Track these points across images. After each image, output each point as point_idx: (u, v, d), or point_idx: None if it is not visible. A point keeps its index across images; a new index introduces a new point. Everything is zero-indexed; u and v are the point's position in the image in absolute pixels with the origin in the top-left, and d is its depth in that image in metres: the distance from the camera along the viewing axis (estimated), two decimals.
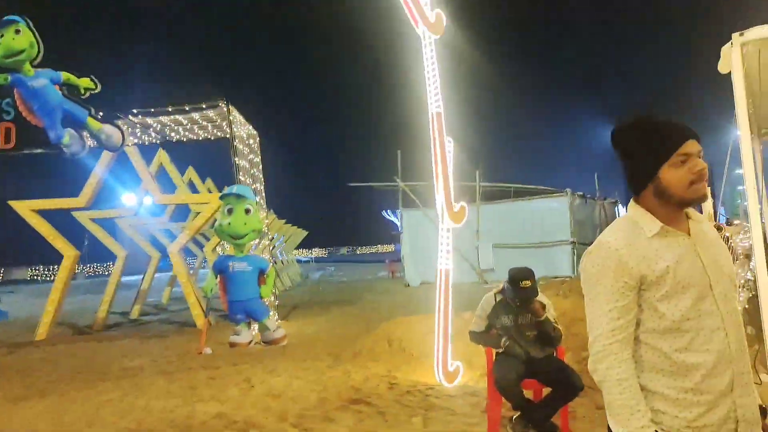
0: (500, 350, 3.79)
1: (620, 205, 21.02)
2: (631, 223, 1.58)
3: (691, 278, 1.48)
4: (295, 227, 26.78)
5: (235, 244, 8.01)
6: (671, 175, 1.53)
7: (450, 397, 4.74)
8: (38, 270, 42.81)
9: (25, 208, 10.74)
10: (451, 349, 5.03)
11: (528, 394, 3.82)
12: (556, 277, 15.19)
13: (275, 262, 22.28)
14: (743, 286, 5.01)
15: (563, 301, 6.04)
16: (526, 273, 3.73)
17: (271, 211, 23.00)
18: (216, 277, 8.04)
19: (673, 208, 1.56)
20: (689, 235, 1.54)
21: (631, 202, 1.64)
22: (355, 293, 16.54)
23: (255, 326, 8.06)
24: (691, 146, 1.51)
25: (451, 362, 5.05)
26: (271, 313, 8.46)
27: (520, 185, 18.13)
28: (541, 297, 3.85)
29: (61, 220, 11.94)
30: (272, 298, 9.04)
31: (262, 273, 8.01)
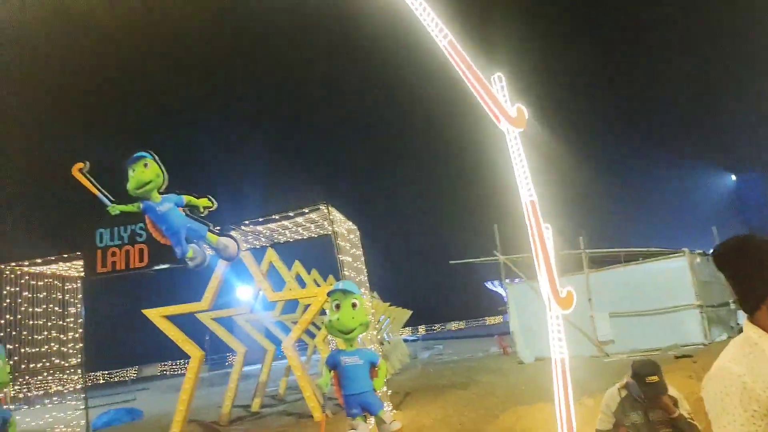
0: None
1: None
2: (751, 345, 1.50)
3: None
4: (399, 308, 26.87)
5: (344, 338, 8.21)
6: None
7: None
8: (167, 365, 45.85)
9: (156, 315, 11.82)
10: None
11: None
12: (685, 346, 13.90)
13: (382, 344, 22.39)
14: None
15: (696, 386, 5.54)
16: (652, 368, 3.54)
17: (375, 294, 23.39)
18: (330, 372, 8.23)
19: None
20: None
21: (746, 322, 1.59)
22: (468, 374, 16.05)
23: (371, 420, 8.05)
24: None
25: None
26: (385, 405, 8.43)
27: (631, 249, 17.14)
28: (672, 391, 3.62)
29: (186, 319, 12.96)
30: (384, 387, 9.04)
31: (373, 366, 8.09)
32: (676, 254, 15.39)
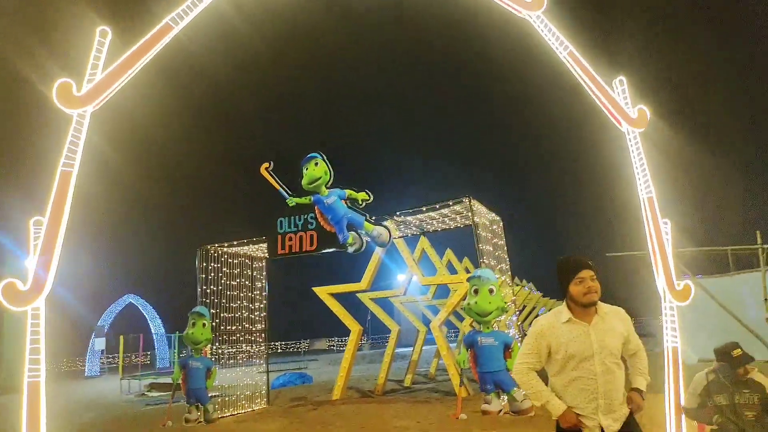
0: (714, 427, 3.89)
1: None
2: (557, 313, 2.96)
3: (577, 350, 2.74)
4: (555, 300, 26.50)
5: (482, 321, 8.96)
6: (573, 289, 2.85)
7: None
8: (333, 341, 50.16)
9: (323, 292, 13.64)
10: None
11: None
12: None
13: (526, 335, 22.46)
14: None
15: None
16: (734, 344, 3.90)
17: (530, 284, 23.44)
18: (467, 351, 9.05)
19: (579, 307, 2.84)
20: (589, 324, 2.81)
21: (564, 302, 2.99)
22: None
23: (504, 396, 8.71)
24: (585, 273, 2.84)
25: None
26: (518, 385, 9.03)
27: None
28: (760, 377, 3.85)
29: (350, 300, 14.64)
30: None
31: (507, 347, 8.74)
32: None
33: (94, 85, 4.62)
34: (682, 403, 4.20)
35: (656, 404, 6.16)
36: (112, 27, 4.84)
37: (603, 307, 2.90)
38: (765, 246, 14.87)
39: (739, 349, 3.86)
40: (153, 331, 37.45)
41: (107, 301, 36.82)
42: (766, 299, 14.31)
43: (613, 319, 2.87)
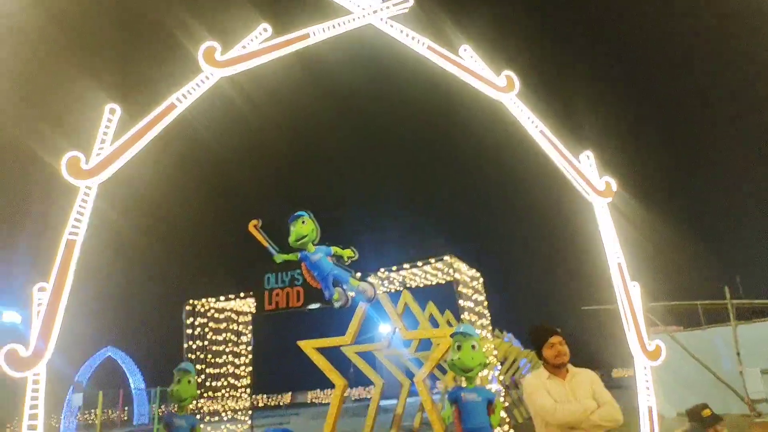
0: None
1: None
2: (538, 373, 3.45)
3: (558, 396, 3.18)
4: (534, 352, 26.58)
5: (465, 376, 9.15)
6: (546, 353, 3.37)
7: None
8: (316, 393, 49.22)
9: (308, 346, 13.67)
10: None
11: None
12: None
13: (517, 386, 22.43)
14: None
15: None
16: (703, 405, 4.21)
17: (511, 335, 23.56)
18: (452, 406, 9.18)
19: (553, 367, 3.34)
20: (563, 379, 3.28)
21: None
22: None
23: None
24: (554, 339, 3.35)
25: None
26: None
27: None
28: None
29: (335, 354, 14.67)
30: (506, 427, 9.72)
31: (490, 403, 8.90)
32: None
33: (102, 159, 4.95)
34: None
35: None
36: (121, 104, 5.23)
37: (573, 368, 3.40)
38: (734, 301, 15.40)
39: (709, 410, 4.17)
40: (132, 385, 36.45)
41: (86, 354, 35.95)
42: (738, 353, 14.71)
43: (582, 377, 3.35)
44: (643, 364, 5.57)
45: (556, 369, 3.34)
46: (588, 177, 5.77)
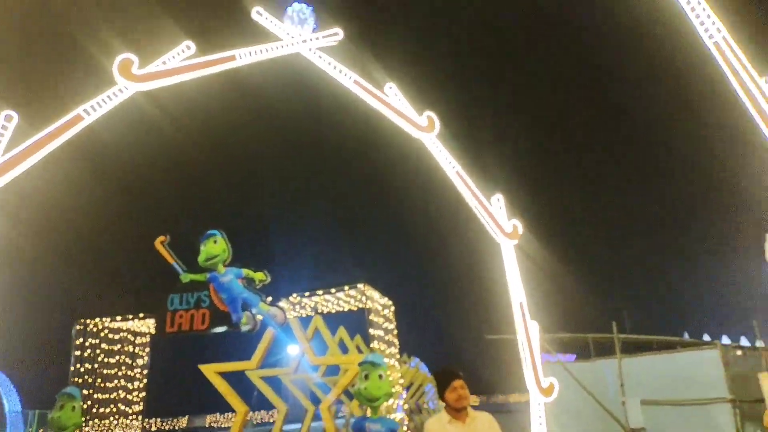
0: None
1: None
2: (439, 417, 3.60)
3: None
4: None
5: (370, 406, 9.18)
6: (448, 396, 3.53)
7: None
8: (215, 417, 47.10)
9: (209, 371, 13.13)
10: None
11: None
12: None
13: (420, 411, 22.77)
14: None
15: None
16: None
17: (417, 360, 23.98)
18: None
19: (453, 410, 3.47)
20: (464, 423, 3.41)
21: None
22: None
23: None
24: (456, 383, 3.50)
25: None
26: None
27: (663, 337, 17.26)
28: None
29: (237, 377, 14.18)
30: None
31: None
32: (709, 346, 15.46)
33: None
34: None
35: None
36: (23, 111, 4.89)
37: (472, 411, 3.59)
38: (620, 336, 16.62)
39: None
40: (6, 407, 33.06)
41: None
42: (622, 384, 15.81)
43: (481, 421, 3.55)
44: (538, 400, 5.88)
45: (456, 412, 3.48)
46: (498, 219, 6.08)
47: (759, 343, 17.57)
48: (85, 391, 10.49)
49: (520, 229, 6.16)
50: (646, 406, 15.41)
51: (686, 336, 19.02)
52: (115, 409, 11.17)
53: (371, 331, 9.69)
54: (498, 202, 6.25)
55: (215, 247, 10.03)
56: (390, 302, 11.17)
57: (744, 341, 18.81)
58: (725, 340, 16.48)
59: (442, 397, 3.54)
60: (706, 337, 18.70)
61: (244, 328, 10.00)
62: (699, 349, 15.65)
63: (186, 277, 10.15)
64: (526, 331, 5.87)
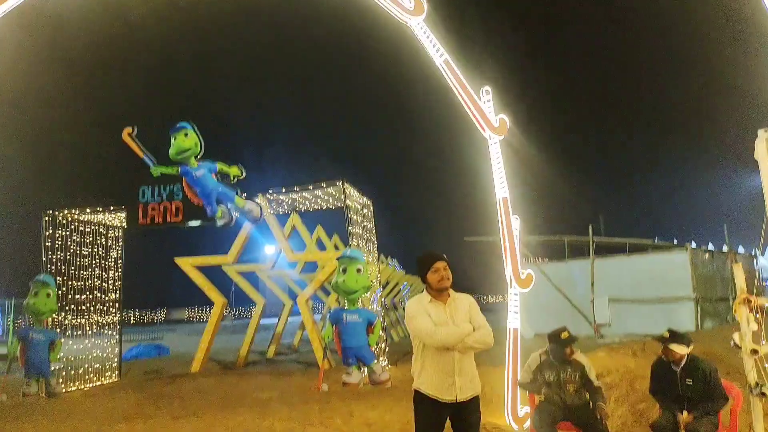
0: (541, 397, 4.63)
1: (758, 258, 19.53)
2: (421, 297, 3.47)
3: (438, 319, 3.28)
4: (417, 277, 27.88)
5: (348, 298, 9.35)
6: (430, 277, 3.42)
7: None
8: (193, 311, 48.44)
9: (186, 264, 13.20)
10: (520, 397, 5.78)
11: None
12: None
13: (396, 309, 23.64)
14: None
15: (630, 360, 6.52)
16: (562, 328, 4.67)
17: (395, 261, 24.53)
18: (332, 326, 9.40)
19: (435, 291, 3.42)
20: (445, 303, 3.39)
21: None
22: None
23: (365, 369, 9.22)
24: (439, 264, 3.40)
25: (520, 407, 5.79)
26: (378, 358, 9.58)
27: (636, 240, 17.78)
28: (581, 357, 4.65)
29: (214, 273, 14.31)
30: (383, 345, 10.14)
31: (370, 324, 9.23)
32: (679, 248, 16.01)
33: None
34: (519, 377, 4.92)
35: (497, 376, 6.98)
36: None
37: (454, 293, 3.51)
38: (595, 238, 17.07)
39: (567, 333, 4.63)
40: None
41: None
42: (592, 284, 16.48)
43: (461, 301, 3.49)
44: (515, 291, 5.95)
45: (437, 293, 3.42)
46: (485, 113, 5.81)
47: (725, 248, 18.29)
48: (59, 279, 10.39)
49: (508, 123, 5.91)
50: (613, 303, 16.20)
51: (656, 240, 19.61)
52: (90, 296, 11.15)
53: (350, 229, 9.62)
54: (486, 95, 5.94)
55: (186, 140, 9.62)
56: (369, 202, 11.05)
57: (710, 246, 19.49)
58: (693, 245, 17.05)
59: (423, 278, 3.46)
60: (676, 242, 19.35)
61: (220, 222, 9.86)
62: (669, 251, 16.27)
63: (157, 170, 9.81)
64: (508, 224, 5.80)
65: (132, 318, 45.53)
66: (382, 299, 11.00)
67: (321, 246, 17.02)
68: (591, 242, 16.93)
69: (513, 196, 6.03)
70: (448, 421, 3.37)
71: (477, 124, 5.84)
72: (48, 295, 9.83)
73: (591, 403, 4.52)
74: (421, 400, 3.39)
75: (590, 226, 17.11)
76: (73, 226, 10.97)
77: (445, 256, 3.46)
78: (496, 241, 6.31)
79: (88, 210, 10.94)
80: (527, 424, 5.74)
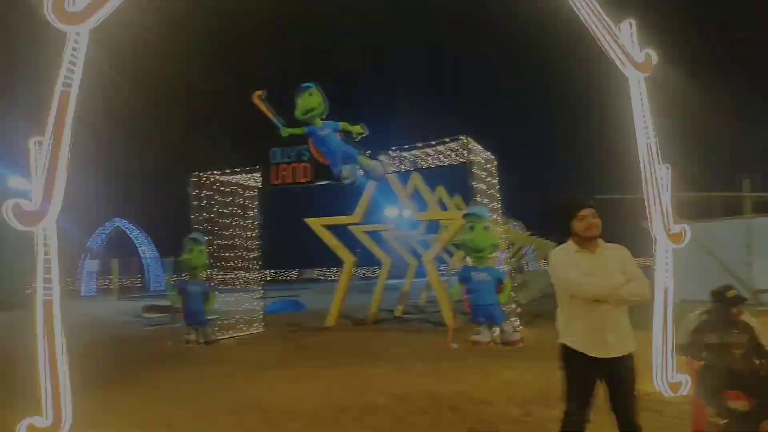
0: (702, 362, 4.14)
1: None
2: (566, 247, 3.19)
3: (587, 269, 3.05)
4: (541, 239, 26.90)
5: (476, 256, 9.17)
6: (576, 225, 3.09)
7: (665, 403, 5.11)
8: (323, 270, 51.09)
9: (316, 224, 13.80)
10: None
11: (738, 405, 4.02)
12: None
13: (522, 271, 22.97)
14: None
15: None
16: (727, 286, 4.14)
17: (519, 223, 23.76)
18: (461, 285, 9.32)
19: (581, 240, 3.11)
20: (593, 253, 3.10)
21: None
22: None
23: (496, 328, 9.06)
24: (586, 211, 3.07)
25: (674, 374, 5.28)
26: (508, 318, 9.34)
27: None
28: (749, 319, 4.09)
29: (342, 232, 14.81)
30: (513, 306, 9.85)
31: (500, 282, 9.01)
32: None
33: (90, 2, 4.43)
34: (673, 339, 4.46)
35: (640, 341, 6.47)
36: None
37: (603, 243, 3.16)
38: (752, 194, 15.10)
39: (734, 291, 4.09)
40: (142, 255, 37.95)
41: (94, 224, 36.91)
42: (748, 245, 14.67)
43: (614, 251, 3.16)
44: (665, 247, 5.38)
45: (585, 242, 3.10)
46: (627, 48, 5.20)
47: None
48: (207, 238, 11.34)
49: (655, 59, 5.25)
50: None
51: None
52: (233, 255, 12.09)
53: (474, 185, 9.35)
54: (630, 28, 5.31)
55: (311, 100, 9.85)
56: (492, 157, 10.64)
57: None
58: None
59: (568, 228, 3.14)
60: None
61: (346, 181, 10.08)
62: None
63: (285, 132, 10.18)
64: (654, 172, 5.22)
65: (269, 276, 49.18)
66: (507, 263, 10.65)
67: (442, 207, 16.90)
68: (748, 199, 15.01)
69: (661, 144, 5.40)
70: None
71: (615, 60, 5.24)
72: (200, 251, 10.86)
73: (762, 370, 3.97)
74: (568, 355, 3.16)
75: (745, 182, 15.16)
76: (215, 187, 11.86)
77: (592, 201, 3.12)
78: (630, 200, 5.74)
79: (227, 171, 11.76)
80: (682, 390, 5.25)
